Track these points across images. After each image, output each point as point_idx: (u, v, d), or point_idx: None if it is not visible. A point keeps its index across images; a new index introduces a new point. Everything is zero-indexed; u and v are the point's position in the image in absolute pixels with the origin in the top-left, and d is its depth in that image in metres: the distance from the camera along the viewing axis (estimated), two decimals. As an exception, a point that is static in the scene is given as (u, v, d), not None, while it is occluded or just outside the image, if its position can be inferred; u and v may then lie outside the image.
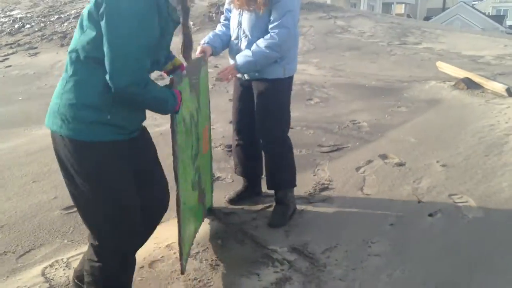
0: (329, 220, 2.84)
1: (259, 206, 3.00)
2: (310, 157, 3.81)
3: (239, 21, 2.70)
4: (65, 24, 11.01)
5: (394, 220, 2.81)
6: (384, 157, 3.77)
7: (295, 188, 2.96)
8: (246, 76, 2.77)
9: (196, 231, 2.62)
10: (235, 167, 3.11)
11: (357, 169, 3.57)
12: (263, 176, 3.06)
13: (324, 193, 3.20)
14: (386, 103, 5.10)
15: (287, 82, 2.79)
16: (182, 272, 2.27)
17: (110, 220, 1.81)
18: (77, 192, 1.80)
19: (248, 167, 3.04)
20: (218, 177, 3.49)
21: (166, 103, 1.82)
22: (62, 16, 11.55)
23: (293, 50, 2.74)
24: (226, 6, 2.89)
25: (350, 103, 5.14)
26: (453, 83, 5.73)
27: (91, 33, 1.65)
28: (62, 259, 2.53)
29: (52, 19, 11.41)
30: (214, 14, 10.90)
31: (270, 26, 2.56)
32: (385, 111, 4.85)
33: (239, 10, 2.68)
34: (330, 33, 9.46)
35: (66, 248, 2.64)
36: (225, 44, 2.80)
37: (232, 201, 3.06)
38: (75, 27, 10.52)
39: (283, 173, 2.88)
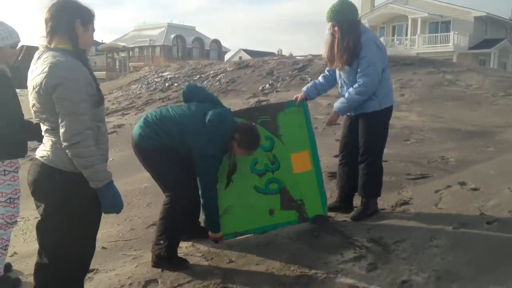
0: (404, 223, 3.65)
1: (349, 214, 3.93)
2: (397, 182, 4.61)
3: (339, 74, 3.78)
4: (205, 82, 13.14)
5: (457, 225, 3.50)
6: (462, 183, 4.39)
7: (380, 203, 3.87)
8: (352, 113, 3.78)
9: (257, 221, 3.58)
10: (337, 183, 4.09)
11: (436, 191, 4.26)
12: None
13: (404, 206, 4.01)
14: (477, 144, 5.68)
15: (384, 113, 3.67)
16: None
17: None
18: None
19: (346, 182, 3.97)
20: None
21: None
22: (202, 75, 13.79)
23: (385, 88, 3.61)
24: (327, 68, 3.95)
25: (442, 143, 5.82)
26: (548, 128, 6.07)
27: None
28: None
29: (195, 78, 13.68)
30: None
31: (358, 76, 3.54)
32: (474, 150, 5.45)
33: None
34: (437, 85, 10.06)
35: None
36: (320, 92, 3.90)
37: (329, 208, 3.97)
38: (212, 85, 12.58)
39: (370, 185, 3.79)
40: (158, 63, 20.88)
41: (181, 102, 3.56)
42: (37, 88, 1.97)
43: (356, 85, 3.54)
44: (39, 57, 2.05)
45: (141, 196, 4.97)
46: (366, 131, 3.68)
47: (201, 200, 3.22)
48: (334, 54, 3.59)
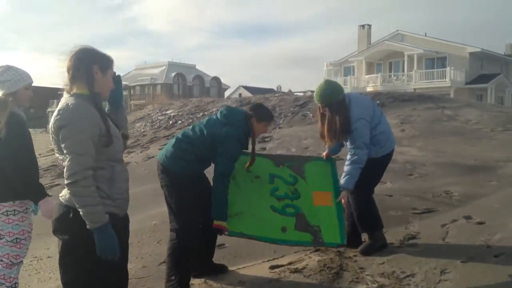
0: (413, 257, 3.71)
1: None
2: (403, 217, 4.70)
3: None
4: (208, 119, 13.34)
5: (465, 258, 3.57)
6: (468, 217, 4.48)
7: (388, 237, 3.96)
8: None
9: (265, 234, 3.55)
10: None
11: (443, 225, 4.35)
12: None
13: (412, 241, 4.08)
14: (479, 178, 5.80)
15: (383, 158, 3.89)
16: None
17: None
18: None
19: (351, 217, 4.06)
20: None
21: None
22: (206, 113, 14.04)
23: (381, 140, 3.81)
24: None
25: (445, 178, 5.93)
26: (548, 162, 6.21)
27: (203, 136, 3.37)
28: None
29: (198, 115, 13.91)
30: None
31: (350, 148, 3.76)
32: (477, 184, 5.56)
33: None
34: (437, 120, 10.27)
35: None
36: (342, 145, 4.02)
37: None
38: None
39: (362, 220, 3.90)
40: (159, 101, 21.23)
41: None
42: (51, 131, 2.14)
43: (349, 156, 3.76)
44: (59, 103, 2.21)
45: (151, 234, 5.04)
46: (362, 174, 3.78)
47: (213, 184, 3.33)
48: (325, 131, 3.80)
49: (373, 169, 3.86)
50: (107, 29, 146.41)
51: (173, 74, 46.92)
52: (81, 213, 2.03)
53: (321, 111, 3.81)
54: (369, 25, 36.99)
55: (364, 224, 3.92)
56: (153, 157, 10.20)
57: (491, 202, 4.90)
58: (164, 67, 48.08)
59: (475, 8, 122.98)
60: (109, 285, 2.21)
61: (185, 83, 47.76)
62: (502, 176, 5.87)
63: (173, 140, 3.51)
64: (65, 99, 2.16)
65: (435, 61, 33.06)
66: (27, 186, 3.00)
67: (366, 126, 3.72)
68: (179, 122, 13.68)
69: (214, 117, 3.51)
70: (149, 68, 49.51)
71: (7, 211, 3.03)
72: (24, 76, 3.14)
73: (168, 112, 15.51)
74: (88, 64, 2.17)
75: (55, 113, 2.13)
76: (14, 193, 3.02)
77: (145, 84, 46.97)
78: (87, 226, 2.04)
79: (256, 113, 3.49)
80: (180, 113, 14.97)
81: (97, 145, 2.09)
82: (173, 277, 3.29)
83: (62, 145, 2.06)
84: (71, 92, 2.18)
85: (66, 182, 2.04)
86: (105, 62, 2.24)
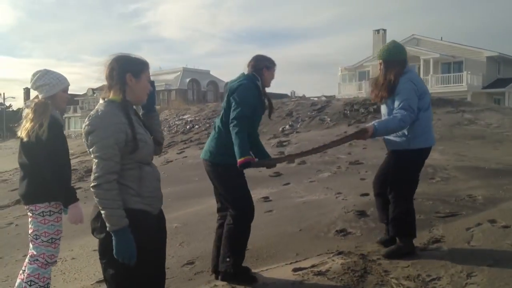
0: (439, 260, 3.67)
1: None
2: (427, 220, 4.65)
3: (380, 107, 4.01)
4: (225, 124, 13.38)
5: (492, 262, 3.53)
6: (492, 221, 4.43)
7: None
8: (388, 147, 3.93)
9: None
10: (378, 217, 4.20)
11: (467, 229, 4.30)
12: None
13: (437, 244, 4.04)
14: (503, 182, 5.72)
15: (415, 152, 3.72)
16: None
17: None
18: None
19: (383, 214, 4.01)
20: (350, 232, 4.55)
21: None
22: (222, 118, 14.07)
23: (417, 128, 3.66)
24: None
25: (468, 182, 5.87)
26: None
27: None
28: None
29: (215, 120, 13.96)
30: (348, 111, 12.36)
31: (394, 111, 3.65)
32: (501, 188, 5.49)
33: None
34: (457, 124, 10.18)
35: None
36: None
37: (380, 241, 4.09)
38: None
39: (397, 226, 3.81)
40: (175, 106, 21.37)
41: (202, 144, 3.96)
42: (83, 135, 2.23)
43: (392, 116, 3.64)
44: (76, 108, 2.30)
45: (173, 236, 5.07)
46: (394, 168, 3.81)
47: (236, 127, 3.35)
48: (373, 85, 3.89)
49: (409, 167, 3.78)
50: (121, 36, 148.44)
51: (188, 79, 47.25)
52: (102, 214, 2.12)
53: (379, 67, 3.86)
54: (384, 30, 36.85)
55: (397, 230, 3.83)
56: (171, 161, 10.30)
57: (516, 206, 4.83)
58: (178, 73, 48.46)
59: (492, 12, 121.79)
60: (147, 281, 2.27)
61: (200, 88, 48.05)
62: (525, 180, 5.79)
63: (211, 136, 3.68)
64: (98, 105, 2.26)
65: (452, 66, 32.78)
66: (60, 188, 3.08)
67: (415, 91, 3.64)
68: (196, 126, 13.77)
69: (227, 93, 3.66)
70: (164, 74, 49.94)
71: (43, 211, 3.11)
72: (61, 79, 3.24)
73: (185, 117, 15.63)
74: (121, 73, 2.26)
75: (87, 118, 2.23)
76: (50, 194, 3.10)
77: (160, 90, 47.35)
78: (107, 228, 2.12)
79: (261, 61, 3.62)
80: (197, 118, 15.08)
81: (123, 150, 2.18)
82: (228, 259, 3.50)
83: (90, 150, 2.17)
84: (106, 98, 2.28)
85: (91, 185, 2.14)
86: (138, 67, 2.31)
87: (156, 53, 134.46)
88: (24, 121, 3.09)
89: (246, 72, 3.65)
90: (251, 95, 3.48)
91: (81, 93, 59.47)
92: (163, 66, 53.12)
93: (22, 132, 3.06)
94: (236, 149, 3.34)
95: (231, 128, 3.36)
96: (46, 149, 2.99)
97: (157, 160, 10.34)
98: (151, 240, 2.25)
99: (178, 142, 12.36)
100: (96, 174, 2.11)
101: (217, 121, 3.63)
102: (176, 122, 15.14)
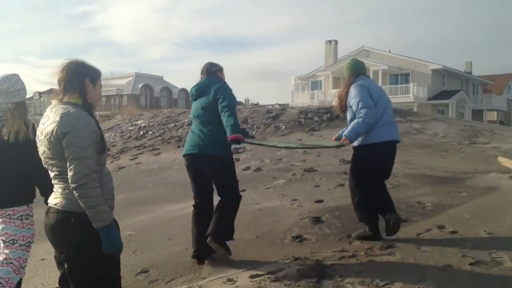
0: (392, 265, 3.76)
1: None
2: (379, 226, 4.77)
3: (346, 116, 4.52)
4: (180, 130, 13.25)
5: (441, 267, 3.64)
6: (441, 227, 4.61)
7: (365, 246, 4.14)
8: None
9: None
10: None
11: (418, 234, 4.46)
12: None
13: (390, 249, 4.14)
14: (450, 189, 5.98)
15: (363, 149, 4.29)
16: None
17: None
18: None
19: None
20: (306, 238, 4.59)
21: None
22: (177, 123, 13.93)
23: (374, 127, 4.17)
24: None
25: (417, 189, 6.09)
26: (511, 175, 6.47)
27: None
28: (196, 285, 3.74)
29: (170, 126, 13.79)
30: (303, 119, 12.54)
31: (356, 114, 4.21)
32: (448, 195, 5.73)
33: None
34: (405, 133, 10.56)
35: (197, 278, 3.87)
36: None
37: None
38: (188, 133, 12.68)
39: (355, 211, 4.48)
40: (128, 111, 20.91)
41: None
42: (48, 136, 2.20)
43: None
44: (51, 109, 2.29)
45: (126, 244, 4.84)
46: (351, 162, 4.51)
47: (229, 112, 3.90)
48: (337, 101, 4.58)
49: (360, 156, 4.35)
50: (70, 39, 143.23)
51: (140, 85, 46.38)
52: (89, 213, 2.14)
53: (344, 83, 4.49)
54: (336, 41, 37.82)
55: (359, 215, 4.43)
56: (124, 167, 10.04)
57: (462, 212, 5.05)
58: (131, 78, 47.49)
59: (437, 26, 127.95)
60: (115, 283, 2.36)
61: (153, 94, 47.28)
62: (471, 187, 6.08)
63: (200, 133, 4.05)
64: (62, 107, 2.25)
65: (399, 77, 34.08)
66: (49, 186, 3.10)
67: (367, 93, 4.18)
68: (150, 132, 13.52)
69: (197, 95, 4.20)
70: (115, 78, 48.75)
71: (21, 215, 3.13)
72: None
73: (138, 122, 15.32)
74: (81, 77, 2.32)
75: (55, 118, 2.21)
76: (30, 196, 3.14)
77: (111, 95, 46.17)
78: (94, 225, 2.15)
79: (216, 67, 4.26)
80: (151, 124, 14.81)
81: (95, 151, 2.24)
82: (229, 227, 4.13)
83: (67, 150, 2.15)
84: (63, 101, 2.30)
85: (74, 185, 2.13)
86: (95, 74, 2.40)
87: (107, 57, 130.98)
88: (7, 122, 3.09)
89: (204, 76, 4.24)
90: (230, 90, 4.12)
91: (27, 97, 56.95)
92: (114, 71, 51.92)
93: (5, 134, 3.08)
94: (229, 128, 3.82)
95: (224, 114, 3.87)
96: (35, 150, 2.97)
97: (109, 167, 10.05)
98: None
99: (131, 148, 12.08)
100: (80, 174, 2.12)
101: (202, 119, 4.07)
102: (129, 128, 14.80)
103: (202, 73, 4.23)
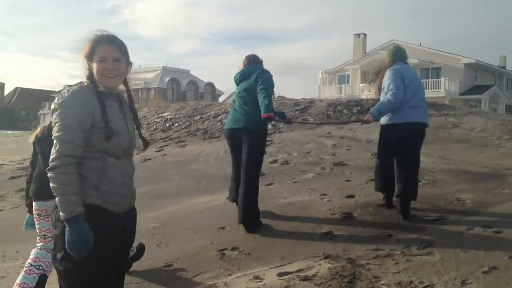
0: (431, 266, 3.50)
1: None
2: (416, 224, 4.47)
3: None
4: (206, 122, 13.13)
5: (486, 269, 3.38)
6: (484, 226, 4.27)
7: (403, 245, 3.89)
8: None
9: None
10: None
11: (459, 233, 4.17)
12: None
13: (428, 249, 3.86)
14: (491, 186, 5.61)
15: (387, 127, 4.64)
16: None
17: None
18: None
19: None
20: (336, 235, 4.34)
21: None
22: (203, 116, 13.81)
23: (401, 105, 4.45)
24: None
25: (456, 185, 5.74)
26: (558, 171, 6.04)
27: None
28: (221, 281, 3.55)
29: (196, 118, 13.69)
30: (331, 112, 12.23)
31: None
32: (489, 192, 5.37)
33: None
34: (440, 127, 10.12)
35: (223, 275, 3.67)
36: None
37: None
38: (214, 125, 12.58)
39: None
40: (155, 104, 20.95)
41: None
42: None
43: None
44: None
45: (150, 237, 4.79)
46: (378, 139, 4.88)
47: (265, 93, 4.46)
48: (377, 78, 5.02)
49: (383, 135, 4.72)
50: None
51: (167, 79, 46.66)
52: (56, 200, 1.92)
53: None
54: (365, 34, 37.12)
55: (376, 181, 4.92)
56: (150, 159, 9.96)
57: (506, 210, 4.72)
58: (158, 72, 47.81)
59: (471, 19, 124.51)
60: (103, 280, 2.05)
61: (179, 88, 47.51)
62: (513, 184, 5.69)
63: (243, 111, 4.61)
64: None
65: (430, 71, 33.18)
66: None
67: (399, 76, 4.48)
68: (176, 124, 13.44)
69: (240, 79, 4.82)
70: (143, 72, 49.14)
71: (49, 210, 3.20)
72: None
73: (164, 114, 15.28)
74: (82, 57, 2.15)
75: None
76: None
77: (139, 88, 46.59)
78: (61, 218, 1.91)
79: (260, 59, 4.92)
80: (177, 116, 14.73)
81: (90, 135, 1.99)
82: (254, 213, 4.65)
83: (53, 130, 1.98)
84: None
85: (47, 167, 1.94)
86: (89, 49, 2.14)
87: (135, 51, 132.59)
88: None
89: (249, 64, 4.84)
90: (271, 76, 4.71)
91: (57, 90, 58.57)
92: (142, 65, 52.31)
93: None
94: (264, 107, 4.36)
95: (261, 95, 4.42)
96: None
97: (135, 158, 10.03)
98: (105, 243, 1.97)
99: (157, 139, 12.02)
100: (53, 156, 1.92)
101: (244, 99, 4.62)
102: (155, 120, 14.77)
103: (247, 61, 4.84)
